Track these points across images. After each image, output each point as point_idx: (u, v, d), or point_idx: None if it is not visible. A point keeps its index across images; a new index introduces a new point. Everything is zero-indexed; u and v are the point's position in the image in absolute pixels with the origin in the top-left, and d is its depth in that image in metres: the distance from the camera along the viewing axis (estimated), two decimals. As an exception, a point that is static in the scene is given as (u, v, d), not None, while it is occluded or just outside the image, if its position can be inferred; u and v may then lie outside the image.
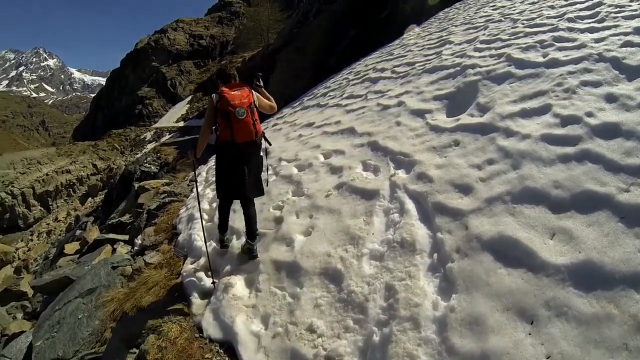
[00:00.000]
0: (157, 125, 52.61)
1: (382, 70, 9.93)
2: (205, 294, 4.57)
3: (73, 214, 38.14)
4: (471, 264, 3.12)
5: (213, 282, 4.57)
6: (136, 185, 12.76)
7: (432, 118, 6.00)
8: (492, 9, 10.71)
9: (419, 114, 6.33)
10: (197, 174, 9.33)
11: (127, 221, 10.77)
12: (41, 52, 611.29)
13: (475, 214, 3.59)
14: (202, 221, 5.17)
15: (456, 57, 7.97)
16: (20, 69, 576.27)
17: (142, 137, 48.99)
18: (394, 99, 7.45)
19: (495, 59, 6.72)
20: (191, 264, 5.25)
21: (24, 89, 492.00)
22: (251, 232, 4.59)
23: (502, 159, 4.14)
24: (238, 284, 4.37)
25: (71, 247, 12.55)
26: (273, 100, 4.81)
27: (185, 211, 7.48)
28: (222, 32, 68.76)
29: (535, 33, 7.08)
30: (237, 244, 5.09)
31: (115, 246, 9.03)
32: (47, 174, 47.56)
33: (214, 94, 4.24)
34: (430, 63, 8.43)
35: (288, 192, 5.74)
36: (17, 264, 31.49)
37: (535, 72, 5.60)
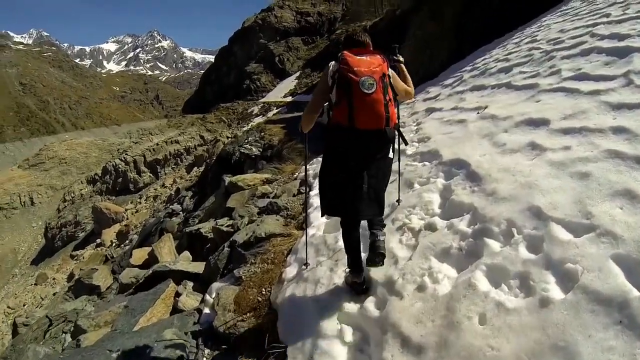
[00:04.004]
0: (264, 99, 50.06)
1: (617, 37, 5.53)
2: None
3: (179, 181, 37.89)
4: None
5: None
6: (227, 179, 9.24)
7: None
8: None
9: None
10: (307, 175, 5.81)
11: (207, 235, 7.34)
12: (155, 34, 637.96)
13: None
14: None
15: None
16: (137, 50, 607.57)
17: (249, 110, 46.91)
18: None
19: None
20: None
21: (141, 67, 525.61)
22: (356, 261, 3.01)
23: None
24: None
25: (139, 256, 9.58)
26: (412, 84, 3.25)
27: (295, 270, 3.83)
28: (329, 9, 64.27)
29: None
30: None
31: (180, 289, 5.61)
32: (157, 144, 48.44)
33: (332, 62, 2.80)
34: None
35: None
36: (120, 228, 32.08)
37: None
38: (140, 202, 40.04)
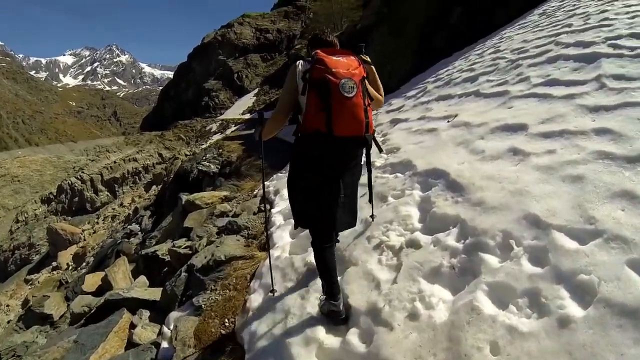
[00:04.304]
0: (222, 117, 49.69)
1: (583, 45, 5.42)
2: None
3: (137, 200, 36.27)
4: None
5: None
6: (184, 198, 8.62)
7: None
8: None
9: None
10: (267, 189, 5.43)
11: (164, 257, 6.75)
12: (114, 49, 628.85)
13: None
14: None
15: None
16: (95, 64, 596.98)
17: (207, 128, 46.47)
18: None
19: None
20: None
21: (98, 82, 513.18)
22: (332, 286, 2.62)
23: None
24: None
25: (92, 282, 8.79)
26: (382, 90, 2.90)
27: (261, 297, 3.40)
28: (288, 27, 64.32)
29: None
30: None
31: (135, 319, 5.00)
32: (114, 162, 46.73)
33: (300, 61, 2.48)
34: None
35: None
36: (77, 250, 30.49)
37: None
38: (97, 222, 38.16)
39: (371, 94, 2.64)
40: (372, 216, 3.58)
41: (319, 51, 2.41)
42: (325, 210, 2.57)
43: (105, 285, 7.82)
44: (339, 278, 2.79)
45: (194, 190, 12.48)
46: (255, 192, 7.94)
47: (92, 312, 6.00)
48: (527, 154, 3.36)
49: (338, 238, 3.19)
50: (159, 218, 15.95)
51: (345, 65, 2.34)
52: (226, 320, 3.41)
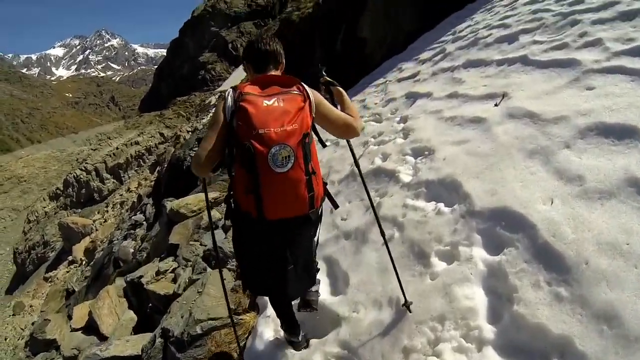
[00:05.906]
0: (221, 88, 49.10)
1: None
2: None
3: (144, 183, 36.22)
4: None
5: None
6: (168, 205, 7.45)
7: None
8: None
9: None
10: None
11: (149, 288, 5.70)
12: (104, 33, 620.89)
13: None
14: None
15: None
16: (86, 52, 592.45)
17: (207, 101, 45.57)
18: None
19: None
20: None
21: (92, 70, 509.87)
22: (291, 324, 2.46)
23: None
24: None
25: (80, 316, 8.03)
26: (356, 112, 2.10)
27: None
28: (279, -12, 62.62)
29: None
30: None
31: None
32: (117, 148, 46.21)
33: (229, 89, 1.83)
34: None
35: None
36: (87, 245, 29.93)
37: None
38: (107, 211, 38.01)
39: (337, 121, 1.99)
40: (405, 304, 2.27)
41: (247, 88, 1.77)
42: (273, 285, 2.08)
43: (92, 322, 6.91)
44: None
45: (189, 181, 11.53)
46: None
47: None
48: None
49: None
50: (160, 209, 15.10)
51: (280, 117, 1.69)
52: None
